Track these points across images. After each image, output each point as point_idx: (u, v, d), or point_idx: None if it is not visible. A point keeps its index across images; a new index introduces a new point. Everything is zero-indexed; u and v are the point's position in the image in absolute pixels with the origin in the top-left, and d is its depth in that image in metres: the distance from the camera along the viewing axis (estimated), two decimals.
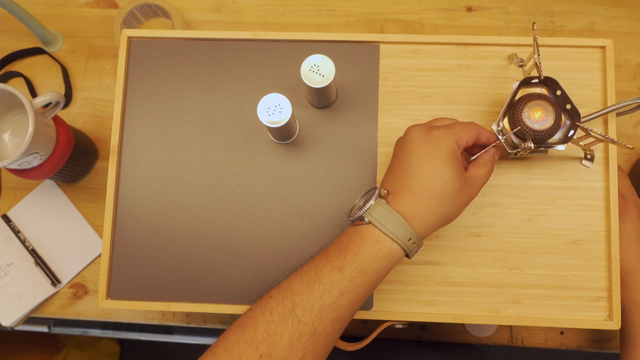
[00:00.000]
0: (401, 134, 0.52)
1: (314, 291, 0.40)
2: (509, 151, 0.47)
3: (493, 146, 0.45)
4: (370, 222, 0.41)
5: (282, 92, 0.52)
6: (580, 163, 0.51)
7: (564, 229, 0.51)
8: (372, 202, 0.41)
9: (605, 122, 0.52)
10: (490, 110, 0.53)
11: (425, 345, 0.67)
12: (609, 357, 0.67)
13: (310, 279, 0.41)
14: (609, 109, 0.49)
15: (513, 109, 0.46)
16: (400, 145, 0.45)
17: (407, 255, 0.42)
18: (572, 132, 0.46)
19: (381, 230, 0.41)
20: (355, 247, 0.41)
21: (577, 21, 0.70)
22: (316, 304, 0.39)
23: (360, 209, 0.42)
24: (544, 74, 0.46)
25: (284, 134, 0.50)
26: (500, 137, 0.46)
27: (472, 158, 0.46)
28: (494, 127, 0.46)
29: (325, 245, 0.50)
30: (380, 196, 0.42)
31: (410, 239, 0.41)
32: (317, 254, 0.43)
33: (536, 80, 0.47)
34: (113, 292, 0.51)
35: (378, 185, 0.51)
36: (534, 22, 0.47)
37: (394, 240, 0.41)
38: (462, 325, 0.67)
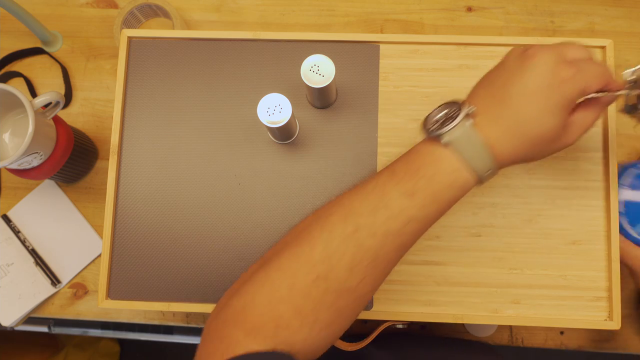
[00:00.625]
0: (401, 134, 0.53)
1: (380, 215, 0.36)
2: (622, 107, 0.41)
3: (615, 95, 0.38)
4: (449, 144, 0.36)
5: (282, 92, 0.52)
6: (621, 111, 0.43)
7: (564, 229, 0.51)
8: (457, 121, 0.36)
9: (605, 122, 0.52)
10: None
11: (434, 340, 0.66)
12: (609, 357, 0.67)
13: (376, 201, 0.37)
14: None
15: None
16: (517, 61, 0.38)
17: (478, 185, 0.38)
18: None
19: (462, 157, 0.36)
20: (429, 171, 0.36)
21: (577, 21, 0.70)
22: (381, 229, 0.36)
23: (441, 125, 0.36)
24: None
25: (284, 134, 0.50)
26: (627, 89, 0.39)
27: (583, 98, 0.38)
28: (627, 74, 0.41)
29: None
30: (468, 114, 0.36)
31: (489, 170, 0.37)
32: (382, 170, 0.39)
33: None
34: (113, 292, 0.51)
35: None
36: None
37: (473, 170, 0.36)
38: (462, 325, 0.67)
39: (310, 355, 0.37)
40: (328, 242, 0.36)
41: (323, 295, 0.36)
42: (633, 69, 0.39)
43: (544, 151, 0.38)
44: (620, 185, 0.51)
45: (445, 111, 0.38)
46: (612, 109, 0.52)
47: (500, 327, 0.66)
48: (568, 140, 0.39)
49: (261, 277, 0.37)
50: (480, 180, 0.38)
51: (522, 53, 0.38)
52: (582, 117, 0.38)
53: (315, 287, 0.35)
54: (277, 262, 0.37)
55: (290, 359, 0.35)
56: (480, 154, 0.36)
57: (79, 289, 0.67)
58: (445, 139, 0.36)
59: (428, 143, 0.38)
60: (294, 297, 0.35)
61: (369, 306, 0.51)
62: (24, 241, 0.67)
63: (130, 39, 0.55)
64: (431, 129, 0.37)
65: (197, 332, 0.84)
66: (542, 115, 0.36)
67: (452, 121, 0.36)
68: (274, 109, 0.46)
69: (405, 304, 0.51)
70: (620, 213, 0.50)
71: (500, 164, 0.37)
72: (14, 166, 0.56)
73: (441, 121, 0.37)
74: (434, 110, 0.39)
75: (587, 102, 0.38)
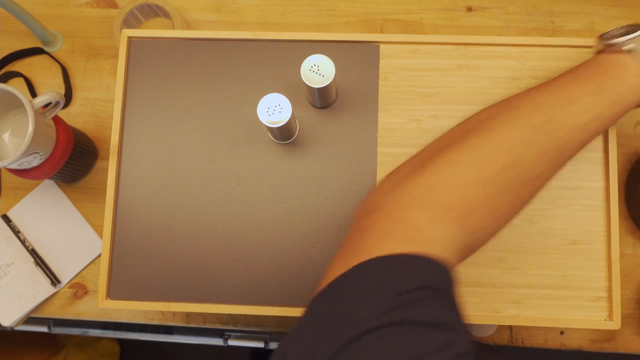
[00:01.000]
0: (401, 134, 0.53)
1: (569, 109, 0.38)
2: None
3: None
4: (632, 51, 0.39)
5: (282, 92, 0.52)
6: None
7: (564, 229, 0.51)
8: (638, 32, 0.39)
9: None
10: None
11: None
12: (609, 357, 0.67)
13: (563, 96, 0.39)
14: None
15: None
16: None
17: None
18: None
19: None
20: (614, 73, 0.39)
21: (577, 21, 0.70)
22: (569, 122, 0.37)
23: (623, 35, 0.40)
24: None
25: (284, 134, 0.50)
26: None
27: None
28: None
29: (328, 244, 0.50)
30: None
31: None
32: (560, 76, 0.41)
33: None
34: (113, 292, 0.51)
35: None
36: None
37: None
38: None
39: (479, 245, 0.36)
40: (520, 130, 0.37)
41: (509, 183, 0.36)
42: None
43: None
44: None
45: (626, 29, 0.41)
46: None
47: (500, 327, 0.66)
48: None
49: (449, 158, 0.36)
50: None
51: None
52: None
53: (504, 173, 0.35)
54: (466, 146, 0.36)
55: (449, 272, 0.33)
56: None
57: (79, 289, 0.67)
58: (629, 46, 0.39)
59: (607, 53, 0.40)
60: (484, 181, 0.35)
61: None
62: (24, 241, 0.67)
63: (130, 39, 0.55)
64: (612, 39, 0.40)
65: (196, 332, 0.84)
66: None
67: (635, 32, 0.39)
68: (274, 109, 0.46)
69: None
70: None
71: None
72: (14, 166, 0.56)
73: (623, 33, 0.40)
74: (613, 29, 0.42)
75: None
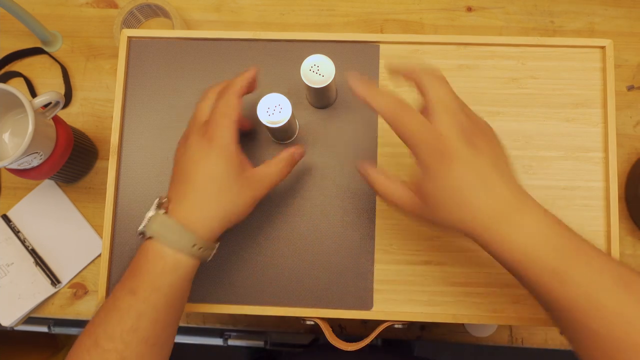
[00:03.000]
0: None
1: (111, 318, 0.39)
2: None
3: (293, 149, 0.46)
4: (152, 237, 0.40)
5: (282, 92, 0.52)
6: None
7: None
8: (150, 214, 0.41)
9: (605, 122, 0.52)
10: (491, 110, 0.53)
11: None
12: None
13: (108, 307, 0.40)
14: None
15: None
16: (180, 151, 0.45)
17: (203, 261, 0.42)
18: None
19: (165, 243, 0.40)
20: (146, 265, 0.40)
21: (577, 21, 0.70)
22: (116, 331, 0.39)
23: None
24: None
25: (284, 134, 0.50)
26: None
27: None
28: None
29: (327, 244, 0.50)
30: (159, 206, 0.42)
31: (194, 244, 0.40)
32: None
33: None
34: None
35: None
36: None
37: (179, 250, 0.40)
38: (462, 325, 0.67)
39: None
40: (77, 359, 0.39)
41: None
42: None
43: (236, 204, 0.42)
44: None
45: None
46: (612, 108, 0.52)
47: (500, 327, 0.66)
48: (256, 191, 0.43)
49: None
50: (197, 257, 0.41)
51: (181, 146, 0.45)
52: (263, 169, 0.44)
53: None
54: None
55: None
56: (178, 232, 0.40)
57: (79, 289, 0.67)
58: (148, 233, 0.41)
59: (144, 241, 0.42)
60: None
61: (369, 306, 0.51)
62: (24, 241, 0.67)
63: (130, 38, 0.55)
64: (138, 228, 0.42)
65: (196, 332, 0.84)
66: (211, 170, 0.41)
67: (147, 214, 0.41)
68: (274, 109, 0.46)
69: (405, 304, 0.51)
70: None
71: (205, 235, 0.41)
72: (14, 166, 0.56)
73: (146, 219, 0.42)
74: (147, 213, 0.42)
75: (271, 159, 0.45)
